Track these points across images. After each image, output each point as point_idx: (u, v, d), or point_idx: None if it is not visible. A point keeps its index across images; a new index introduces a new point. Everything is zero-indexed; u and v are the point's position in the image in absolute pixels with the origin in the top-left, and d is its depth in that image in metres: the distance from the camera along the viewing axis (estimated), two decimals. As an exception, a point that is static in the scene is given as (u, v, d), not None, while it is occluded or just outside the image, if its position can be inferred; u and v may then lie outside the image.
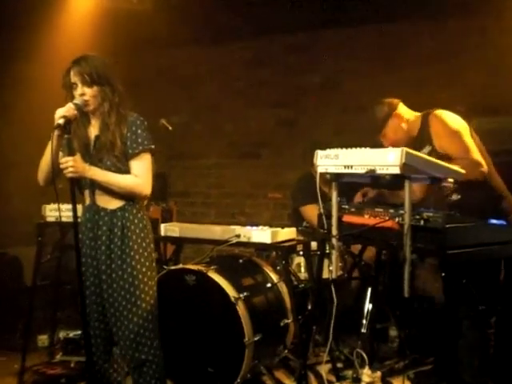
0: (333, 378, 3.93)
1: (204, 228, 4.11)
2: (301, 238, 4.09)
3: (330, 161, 3.00)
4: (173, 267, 3.97)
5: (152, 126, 3.32)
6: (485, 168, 3.37)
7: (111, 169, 3.01)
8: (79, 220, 3.02)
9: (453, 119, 3.54)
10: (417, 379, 3.86)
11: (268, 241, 3.77)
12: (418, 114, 3.71)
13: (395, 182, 2.77)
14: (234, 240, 3.83)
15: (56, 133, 2.89)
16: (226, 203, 6.72)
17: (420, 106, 3.81)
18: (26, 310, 4.28)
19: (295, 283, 4.21)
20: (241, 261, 4.03)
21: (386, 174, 2.74)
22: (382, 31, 5.78)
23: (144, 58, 6.69)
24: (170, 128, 4.88)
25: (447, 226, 2.72)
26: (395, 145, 3.45)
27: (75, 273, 2.89)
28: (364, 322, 4.01)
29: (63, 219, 3.42)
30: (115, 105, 3.02)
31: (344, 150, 2.95)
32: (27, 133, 5.58)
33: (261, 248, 4.27)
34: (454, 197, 3.47)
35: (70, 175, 2.88)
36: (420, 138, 3.56)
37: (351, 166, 2.90)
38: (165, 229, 4.17)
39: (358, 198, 3.80)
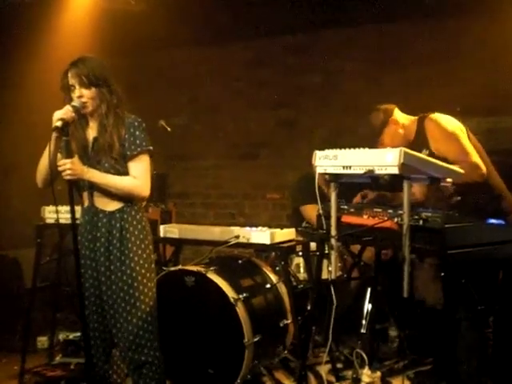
0: (332, 379, 3.93)
1: (203, 229, 4.12)
2: (300, 238, 4.09)
3: (329, 161, 3.00)
4: (172, 268, 3.97)
5: (151, 127, 3.32)
6: (484, 170, 3.36)
7: (109, 171, 3.01)
8: (78, 222, 3.03)
9: (449, 122, 3.53)
10: (416, 379, 3.86)
11: (267, 241, 3.77)
12: (414, 118, 3.69)
13: (394, 183, 2.77)
14: (233, 241, 3.83)
15: (54, 135, 2.90)
16: (225, 204, 6.71)
17: (420, 106, 3.81)
18: (26, 311, 4.29)
19: (294, 284, 4.22)
20: (240, 262, 4.03)
21: (385, 175, 2.75)
22: (381, 31, 5.77)
23: (143, 59, 6.69)
24: (169, 129, 4.88)
25: (446, 226, 2.72)
26: None
27: (75, 274, 2.89)
28: (363, 322, 4.01)
29: (62, 221, 3.43)
30: (113, 106, 3.02)
31: (343, 150, 2.95)
32: (27, 134, 5.59)
33: (260, 249, 4.27)
34: (455, 199, 3.46)
35: (68, 177, 2.88)
36: (416, 143, 3.53)
37: (350, 167, 2.90)
38: (164, 230, 4.17)
39: (357, 200, 3.79)
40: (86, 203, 3.12)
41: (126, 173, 3.04)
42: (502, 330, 3.44)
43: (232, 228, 3.96)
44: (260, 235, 3.81)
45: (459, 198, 3.44)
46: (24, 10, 5.09)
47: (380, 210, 3.02)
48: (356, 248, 4.08)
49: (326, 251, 3.64)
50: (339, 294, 3.36)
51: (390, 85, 5.64)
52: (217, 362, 3.69)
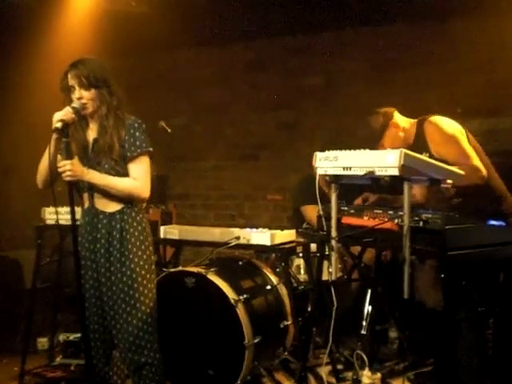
0: (333, 380, 3.93)
1: (203, 230, 4.11)
2: (300, 239, 4.08)
3: (329, 163, 3.00)
4: (172, 270, 3.97)
5: (151, 129, 3.32)
6: (484, 173, 3.36)
7: (109, 172, 3.01)
8: (78, 223, 3.03)
9: (448, 125, 3.52)
10: (417, 381, 3.86)
11: (267, 243, 3.77)
12: (413, 120, 3.69)
13: (394, 184, 2.77)
14: (234, 242, 3.83)
15: (54, 136, 2.90)
16: (225, 205, 6.71)
17: (420, 107, 3.81)
18: (26, 312, 4.30)
19: (295, 285, 4.22)
20: (240, 263, 4.03)
21: (385, 176, 2.75)
22: (381, 33, 5.78)
23: (144, 61, 6.69)
24: (169, 130, 4.88)
25: (446, 227, 2.71)
26: None
27: (75, 276, 2.89)
28: (364, 323, 4.00)
29: (63, 222, 3.43)
30: (113, 108, 3.02)
31: (343, 151, 2.95)
32: (27, 135, 5.60)
33: (260, 250, 4.27)
34: (455, 200, 3.46)
35: (68, 179, 2.88)
36: (416, 146, 3.52)
37: (350, 168, 2.90)
38: (164, 231, 4.17)
39: (358, 203, 3.79)
40: (86, 204, 3.12)
41: (126, 174, 3.04)
42: (502, 332, 3.44)
43: (232, 229, 3.96)
44: (260, 236, 3.80)
45: (460, 199, 3.44)
46: (24, 11, 5.09)
47: (380, 211, 3.01)
48: (356, 250, 4.08)
49: (327, 252, 3.65)
50: (339, 295, 3.36)
51: (390, 86, 5.64)
52: (217, 363, 3.69)
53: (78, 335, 4.26)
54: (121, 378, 3.27)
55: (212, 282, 3.67)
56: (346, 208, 3.21)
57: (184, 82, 6.71)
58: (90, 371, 3.03)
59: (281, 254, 3.87)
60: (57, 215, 3.10)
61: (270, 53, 6.44)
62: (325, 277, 3.67)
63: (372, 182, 2.96)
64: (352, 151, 2.91)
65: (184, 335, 3.79)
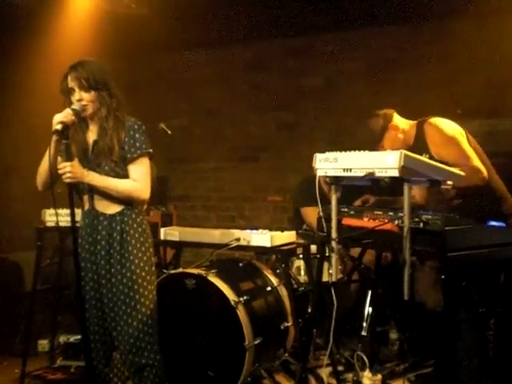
0: (333, 381, 3.91)
1: (204, 232, 4.11)
2: (300, 241, 4.08)
3: (329, 164, 2.99)
4: (172, 271, 3.97)
5: (151, 130, 3.32)
6: (485, 174, 3.36)
7: (109, 173, 3.01)
8: (78, 225, 3.03)
9: (448, 126, 3.52)
10: (417, 382, 3.86)
11: (268, 244, 3.77)
12: (413, 122, 3.69)
13: (394, 186, 2.77)
14: (234, 244, 3.83)
15: (54, 138, 2.90)
16: (225, 207, 6.72)
17: (421, 108, 3.81)
18: (26, 314, 4.29)
19: (295, 286, 4.22)
20: (241, 264, 4.02)
21: (385, 177, 2.74)
22: (381, 34, 5.78)
23: (143, 62, 6.69)
24: (170, 132, 4.88)
25: (446, 228, 2.72)
26: None
27: (75, 277, 2.89)
28: (364, 324, 4.01)
29: (63, 224, 3.43)
30: (113, 109, 3.02)
31: (343, 153, 2.95)
32: (27, 136, 5.59)
33: (260, 251, 4.28)
34: (455, 201, 3.46)
35: (68, 180, 2.88)
36: (416, 147, 3.52)
37: (350, 169, 2.90)
38: (164, 233, 4.17)
39: (358, 204, 3.79)
40: (87, 206, 3.12)
41: (126, 176, 3.04)
42: (502, 333, 3.44)
43: (232, 231, 3.95)
44: (260, 238, 3.80)
45: (460, 200, 3.44)
46: (24, 11, 5.09)
47: (380, 212, 3.01)
48: (356, 252, 4.08)
49: (327, 254, 3.65)
50: (340, 296, 3.35)
51: (390, 86, 5.64)
52: (217, 364, 3.68)
53: (79, 337, 4.25)
54: (121, 380, 3.28)
55: (212, 284, 3.67)
56: (346, 209, 3.21)
57: (184, 82, 6.72)
58: (90, 373, 3.04)
59: (281, 256, 3.87)
60: (57, 217, 3.10)
61: (270, 53, 6.44)
62: (325, 278, 3.66)
63: (372, 184, 2.96)
64: (352, 152, 2.90)
65: (184, 337, 3.78)
